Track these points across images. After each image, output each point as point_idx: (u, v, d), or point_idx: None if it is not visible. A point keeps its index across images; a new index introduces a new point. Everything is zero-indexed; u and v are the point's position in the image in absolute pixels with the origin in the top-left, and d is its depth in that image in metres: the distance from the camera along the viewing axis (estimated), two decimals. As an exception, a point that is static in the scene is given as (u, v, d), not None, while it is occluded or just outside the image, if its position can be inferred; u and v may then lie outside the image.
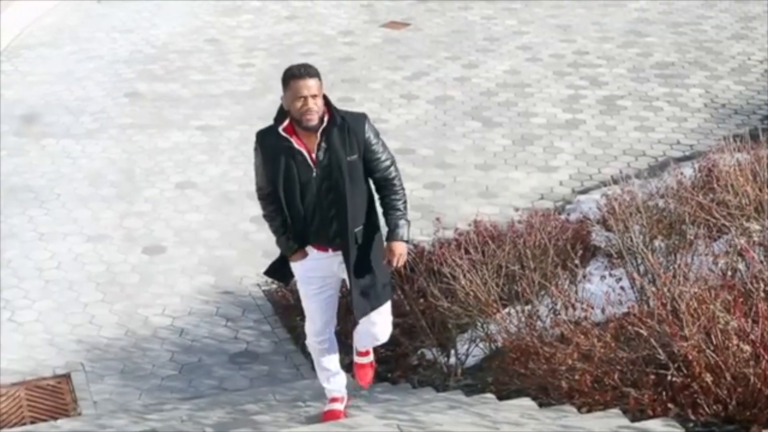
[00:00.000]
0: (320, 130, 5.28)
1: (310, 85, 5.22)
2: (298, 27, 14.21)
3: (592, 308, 5.89)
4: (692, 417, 4.88)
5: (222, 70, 12.84)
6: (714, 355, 4.82)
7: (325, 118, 5.29)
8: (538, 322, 6.20)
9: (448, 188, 9.93)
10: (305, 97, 5.20)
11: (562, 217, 8.35)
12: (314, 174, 5.31)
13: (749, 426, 4.75)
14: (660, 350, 5.06)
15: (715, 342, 4.86)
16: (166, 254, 8.97)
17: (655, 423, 4.90)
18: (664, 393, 5.05)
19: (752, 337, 4.75)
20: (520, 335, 6.12)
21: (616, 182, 8.19)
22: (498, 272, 6.63)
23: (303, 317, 7.85)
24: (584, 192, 9.66)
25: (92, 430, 6.39)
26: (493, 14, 14.41)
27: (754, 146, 7.98)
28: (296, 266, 5.58)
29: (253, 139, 5.55)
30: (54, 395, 7.19)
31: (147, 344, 7.78)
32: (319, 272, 5.59)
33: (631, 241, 6.46)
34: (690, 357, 4.87)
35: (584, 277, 6.70)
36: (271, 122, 5.46)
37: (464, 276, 6.49)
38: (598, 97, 11.70)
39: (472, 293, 6.43)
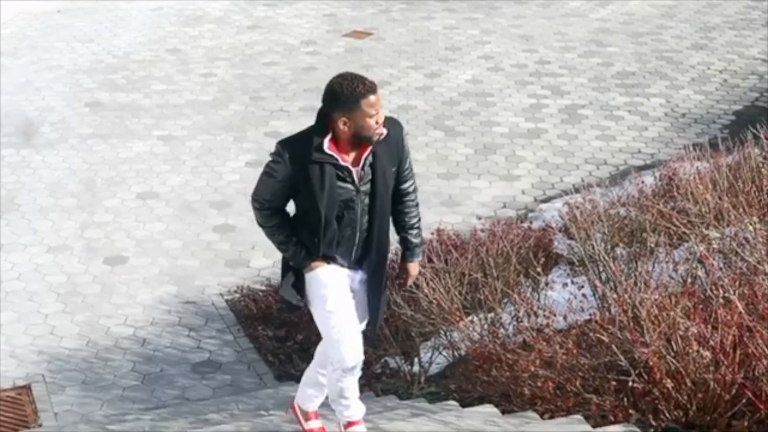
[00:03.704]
0: None
1: (379, 98, 4.74)
2: (260, 37, 14.19)
3: (555, 315, 5.93)
4: (653, 422, 4.92)
5: (184, 80, 12.78)
6: (674, 361, 4.87)
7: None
8: (501, 330, 6.23)
9: (411, 197, 9.91)
10: (377, 113, 4.73)
11: (525, 225, 8.40)
12: (356, 191, 4.84)
13: (709, 431, 4.79)
14: (621, 356, 5.09)
15: (675, 348, 4.91)
16: (128, 264, 8.92)
17: (617, 429, 4.94)
18: (625, 399, 5.08)
19: (712, 343, 4.79)
20: (483, 343, 6.15)
21: (577, 191, 8.25)
22: (461, 280, 6.65)
23: (266, 327, 7.91)
24: (546, 200, 9.71)
25: (53, 441, 6.34)
26: (456, 24, 14.46)
27: (713, 155, 8.06)
28: (318, 274, 4.92)
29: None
30: (14, 407, 7.11)
31: (109, 355, 7.72)
32: (343, 278, 4.99)
33: (593, 248, 6.50)
34: (651, 363, 4.91)
35: (546, 284, 6.75)
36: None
37: (427, 284, 6.50)
38: (559, 107, 11.77)
39: (435, 301, 6.44)
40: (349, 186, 4.82)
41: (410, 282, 5.29)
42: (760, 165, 7.32)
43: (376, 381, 6.86)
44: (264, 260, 8.94)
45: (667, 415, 4.90)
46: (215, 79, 12.78)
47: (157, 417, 6.63)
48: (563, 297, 6.34)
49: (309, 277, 4.95)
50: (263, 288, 8.46)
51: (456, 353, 6.59)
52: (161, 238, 9.33)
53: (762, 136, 7.83)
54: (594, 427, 5.04)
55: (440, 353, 6.70)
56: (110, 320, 8.14)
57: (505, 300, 6.54)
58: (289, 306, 5.20)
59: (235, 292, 8.48)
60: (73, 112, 11.89)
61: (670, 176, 7.98)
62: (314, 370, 5.33)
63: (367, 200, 4.87)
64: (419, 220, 5.18)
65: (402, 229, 5.15)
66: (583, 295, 6.10)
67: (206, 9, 15.38)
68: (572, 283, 6.50)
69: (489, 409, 5.64)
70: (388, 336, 6.77)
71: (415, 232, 5.14)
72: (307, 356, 7.47)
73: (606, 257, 6.25)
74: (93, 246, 9.20)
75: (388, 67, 12.99)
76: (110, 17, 15.05)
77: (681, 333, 4.92)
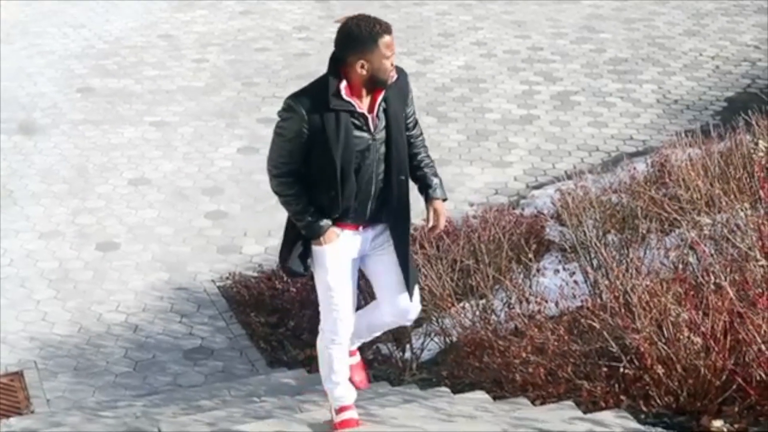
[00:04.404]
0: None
1: (393, 39, 4.70)
2: (252, 22, 14.14)
3: (546, 302, 5.94)
4: (644, 408, 4.93)
5: (176, 66, 12.74)
6: (665, 347, 4.88)
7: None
8: (493, 316, 6.24)
9: (403, 183, 9.91)
10: (392, 54, 4.68)
11: (517, 211, 8.40)
12: (372, 139, 4.72)
13: (700, 417, 4.81)
14: (612, 343, 5.11)
15: (666, 334, 4.92)
16: (120, 251, 8.90)
17: (608, 415, 4.95)
18: (616, 385, 5.10)
19: (703, 329, 4.80)
20: (475, 329, 6.16)
21: (569, 177, 8.26)
22: (453, 267, 6.65)
23: (258, 314, 7.90)
24: (538, 187, 9.71)
25: (45, 428, 6.33)
26: (448, 10, 14.42)
27: (705, 142, 8.07)
28: (325, 251, 4.84)
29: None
30: (6, 393, 7.11)
31: (100, 341, 7.72)
32: (351, 253, 4.94)
33: (585, 235, 6.51)
34: (642, 349, 4.92)
35: (538, 271, 6.75)
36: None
37: (419, 270, 6.50)
38: (552, 93, 11.76)
39: (426, 288, 6.44)
40: (365, 135, 4.71)
41: (443, 222, 5.08)
42: (752, 151, 7.33)
43: (368, 367, 6.85)
44: (256, 247, 8.94)
45: (658, 401, 4.92)
46: (207, 65, 12.75)
47: (149, 403, 6.63)
48: (555, 283, 6.34)
49: (316, 250, 4.87)
50: (255, 274, 8.46)
51: (448, 340, 6.60)
52: (153, 225, 9.32)
53: (754, 122, 7.83)
54: (585, 413, 5.05)
55: (432, 340, 6.70)
56: (102, 306, 8.14)
57: (497, 286, 6.54)
58: (292, 274, 5.12)
59: (227, 278, 8.47)
60: (65, 98, 11.85)
61: (662, 163, 7.98)
62: (364, 323, 5.28)
63: (382, 149, 4.77)
64: (432, 160, 5.09)
65: (417, 169, 5.04)
66: (575, 282, 6.11)
67: (198, -6, 15.32)
68: (564, 269, 6.50)
69: (480, 395, 5.65)
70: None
71: (431, 170, 5.05)
72: (299, 342, 7.50)
73: (598, 244, 6.26)
74: (85, 232, 9.19)
75: (380, 53, 12.93)
76: (102, 3, 14.98)
77: (672, 319, 4.93)
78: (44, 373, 7.33)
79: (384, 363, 6.89)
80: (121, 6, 14.83)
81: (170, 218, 9.42)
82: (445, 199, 5.12)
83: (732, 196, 6.56)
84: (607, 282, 5.60)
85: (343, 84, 4.66)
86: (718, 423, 4.73)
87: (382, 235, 5.01)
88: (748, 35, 13.26)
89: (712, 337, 4.77)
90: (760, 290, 4.85)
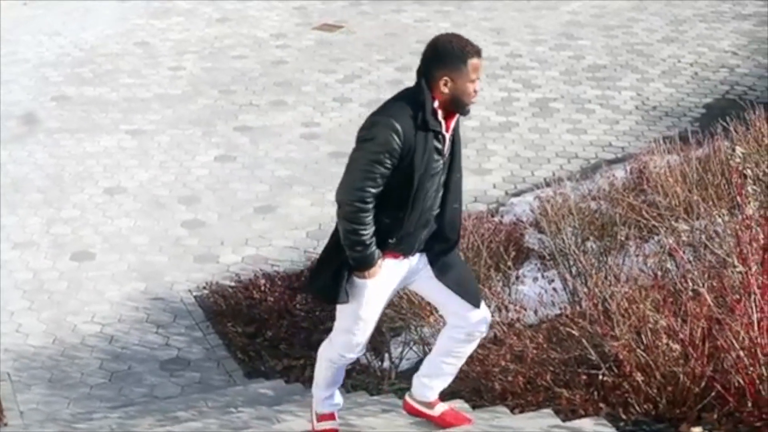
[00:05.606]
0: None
1: (482, 64, 4.51)
2: (229, 30, 14.08)
3: (525, 310, 5.92)
4: (623, 416, 4.90)
5: (152, 74, 12.66)
6: (644, 354, 4.85)
7: None
8: (471, 325, 6.18)
9: (381, 191, 9.87)
10: (478, 79, 4.47)
11: (496, 219, 8.39)
12: (443, 164, 4.52)
13: (679, 424, 4.79)
14: (591, 350, 5.08)
15: (645, 341, 4.89)
16: (95, 261, 8.83)
17: (587, 422, 4.91)
18: (595, 393, 5.07)
19: (681, 336, 4.78)
20: (453, 338, 6.10)
21: (548, 184, 8.24)
22: (431, 275, 6.59)
23: (235, 324, 7.84)
24: (517, 194, 9.69)
25: (18, 441, 6.26)
26: (426, 17, 14.41)
27: (683, 148, 8.07)
28: (366, 284, 4.60)
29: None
30: (-21, 406, 7.01)
31: (75, 352, 7.65)
32: (391, 283, 4.70)
33: (564, 242, 6.49)
34: (621, 356, 4.89)
35: (517, 278, 6.74)
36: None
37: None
38: (531, 100, 11.75)
39: (405, 296, 6.40)
40: (440, 158, 4.50)
41: None
42: (729, 158, 7.32)
43: (346, 377, 6.77)
44: (233, 256, 8.88)
45: (637, 408, 4.89)
46: (184, 73, 12.68)
47: (124, 415, 6.57)
48: (534, 291, 6.32)
49: (358, 282, 4.61)
50: (232, 284, 8.39)
51: (427, 349, 6.55)
52: (129, 234, 9.24)
53: (732, 129, 7.84)
54: (564, 421, 5.02)
55: (411, 349, 6.67)
56: (77, 317, 8.06)
57: (476, 294, 6.50)
58: (332, 302, 4.80)
59: (204, 288, 8.41)
60: (40, 107, 11.76)
61: (641, 169, 7.98)
62: (437, 360, 5.01)
63: (444, 175, 4.57)
64: None
65: None
66: (554, 289, 6.09)
67: (175, 1, 15.25)
68: (543, 277, 6.49)
69: (459, 404, 5.59)
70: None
71: None
72: (277, 353, 7.44)
73: (577, 251, 6.24)
74: (60, 242, 9.11)
75: (358, 60, 12.92)
76: (77, 8, 14.89)
77: (651, 326, 4.90)
78: (18, 385, 7.24)
79: (362, 372, 6.84)
80: (97, 13, 14.74)
81: (146, 227, 9.35)
82: None
83: (710, 203, 6.55)
84: (586, 289, 5.57)
85: (436, 103, 4.46)
86: (697, 430, 4.70)
87: (422, 258, 4.79)
88: (726, 41, 13.29)
89: (690, 344, 4.75)
90: (738, 297, 4.83)
